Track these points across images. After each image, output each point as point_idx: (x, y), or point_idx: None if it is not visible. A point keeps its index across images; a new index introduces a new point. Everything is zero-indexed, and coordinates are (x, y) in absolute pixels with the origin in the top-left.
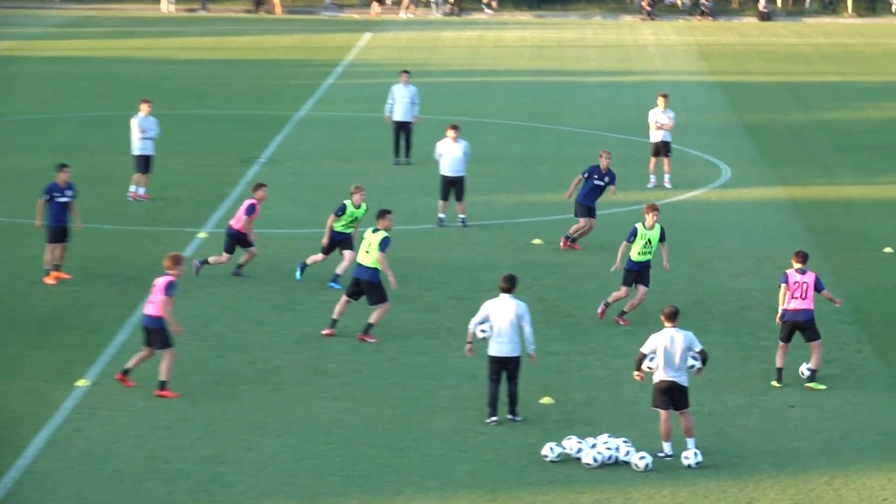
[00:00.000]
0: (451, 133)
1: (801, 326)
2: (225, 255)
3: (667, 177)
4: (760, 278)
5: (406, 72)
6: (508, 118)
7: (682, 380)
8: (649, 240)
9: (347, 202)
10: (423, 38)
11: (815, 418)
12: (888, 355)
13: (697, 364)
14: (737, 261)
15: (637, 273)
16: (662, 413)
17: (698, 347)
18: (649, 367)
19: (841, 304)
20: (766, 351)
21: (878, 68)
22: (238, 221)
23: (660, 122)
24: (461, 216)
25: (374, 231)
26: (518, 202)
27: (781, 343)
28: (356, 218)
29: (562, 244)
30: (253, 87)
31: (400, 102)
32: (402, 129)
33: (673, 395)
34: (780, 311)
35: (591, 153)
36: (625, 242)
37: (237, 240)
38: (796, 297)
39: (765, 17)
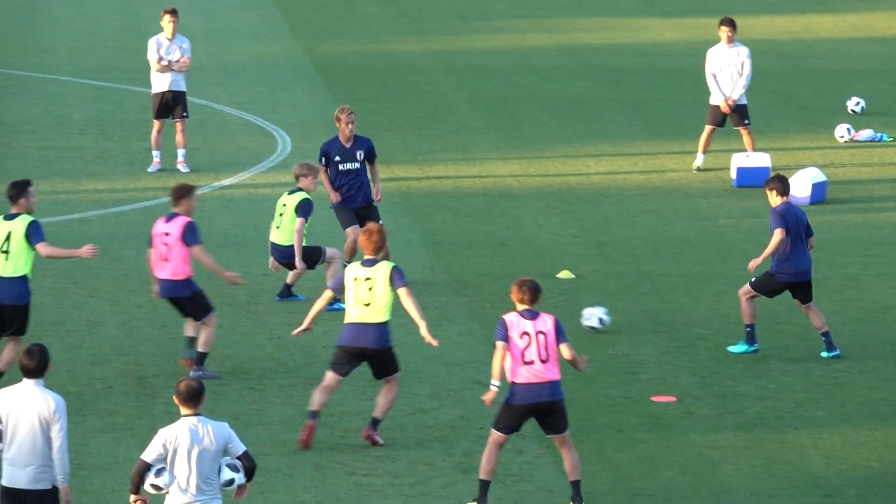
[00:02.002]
0: None
1: (543, 410)
2: None
3: (181, 153)
4: None
5: None
6: None
7: None
8: None
9: None
10: None
11: None
12: None
13: (239, 478)
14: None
15: None
16: None
17: (241, 449)
18: (155, 487)
19: (586, 367)
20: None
21: None
22: None
23: (167, 57)
24: None
25: None
26: None
27: (499, 434)
28: None
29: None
30: None
31: None
32: None
33: None
34: (494, 384)
35: (61, 111)
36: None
37: None
38: (529, 362)
39: None
